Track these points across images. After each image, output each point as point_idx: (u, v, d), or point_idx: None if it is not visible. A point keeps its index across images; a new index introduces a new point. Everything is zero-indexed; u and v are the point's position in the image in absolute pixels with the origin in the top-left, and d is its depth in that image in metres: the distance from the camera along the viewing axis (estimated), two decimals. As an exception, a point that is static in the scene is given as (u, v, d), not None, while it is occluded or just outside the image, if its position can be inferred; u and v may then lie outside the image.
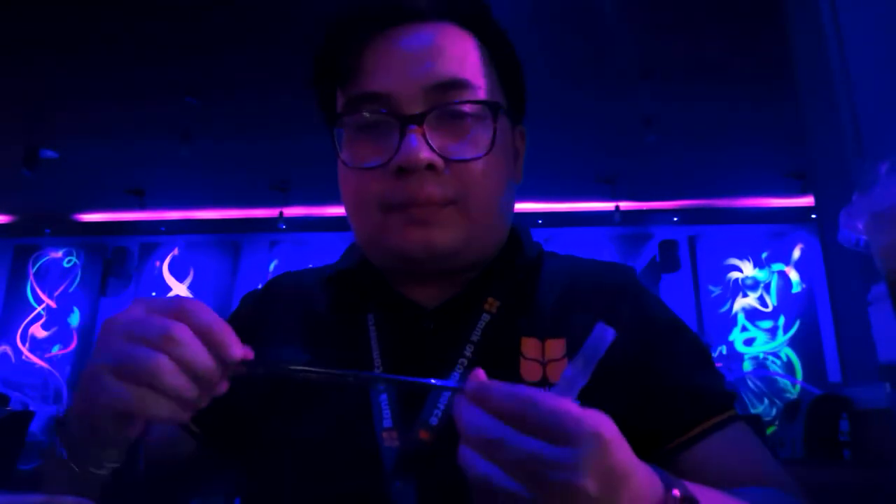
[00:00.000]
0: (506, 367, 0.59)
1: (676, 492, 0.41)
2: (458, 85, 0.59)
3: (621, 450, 0.37)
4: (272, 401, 0.60)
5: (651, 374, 0.61)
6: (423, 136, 0.57)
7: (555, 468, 0.35)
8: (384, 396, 0.57)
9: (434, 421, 0.56)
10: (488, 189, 0.59)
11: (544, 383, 0.59)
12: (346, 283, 0.67)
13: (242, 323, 0.64)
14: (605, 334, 0.41)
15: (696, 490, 0.44)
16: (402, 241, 0.59)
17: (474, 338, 0.60)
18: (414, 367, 0.58)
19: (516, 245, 0.67)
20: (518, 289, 0.65)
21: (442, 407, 0.56)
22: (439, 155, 0.57)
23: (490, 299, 0.63)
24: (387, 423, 0.56)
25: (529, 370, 0.59)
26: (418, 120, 0.57)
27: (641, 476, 0.39)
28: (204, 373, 0.42)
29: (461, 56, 0.60)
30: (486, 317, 0.62)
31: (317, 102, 0.67)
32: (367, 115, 0.59)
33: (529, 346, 0.60)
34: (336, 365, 0.50)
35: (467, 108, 0.59)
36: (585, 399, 0.47)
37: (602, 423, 0.37)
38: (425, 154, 0.56)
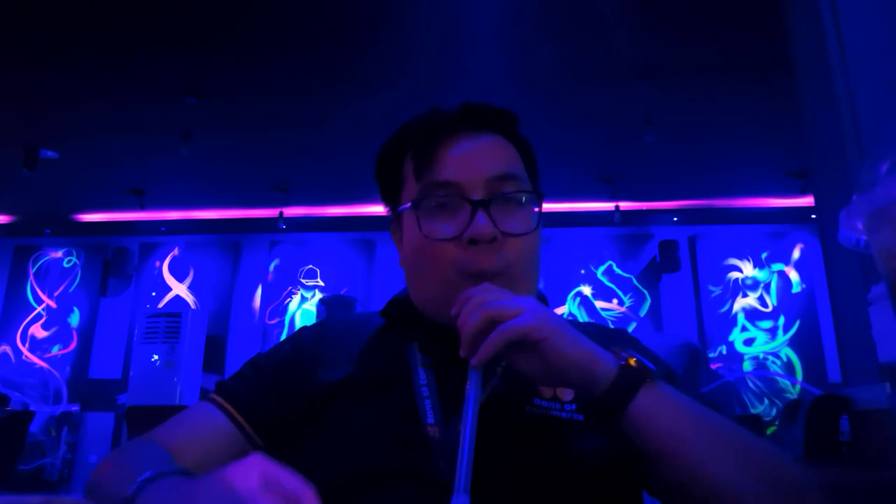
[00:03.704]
0: (526, 386, 0.75)
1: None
2: (510, 177, 0.78)
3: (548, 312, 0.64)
4: (330, 404, 0.75)
5: None
6: (489, 215, 0.74)
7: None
8: (428, 401, 0.73)
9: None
10: (529, 261, 0.78)
11: (555, 399, 0.74)
12: (396, 317, 0.85)
13: (306, 350, 0.82)
14: None
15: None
16: None
17: (503, 363, 0.76)
18: (451, 383, 0.72)
19: None
20: None
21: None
22: (499, 230, 0.74)
23: None
24: (430, 420, 0.71)
25: (544, 389, 0.76)
26: (486, 204, 0.75)
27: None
28: None
29: (508, 157, 0.80)
30: None
31: (381, 194, 0.88)
32: (443, 196, 0.76)
33: None
34: (387, 380, 0.74)
35: (520, 195, 0.78)
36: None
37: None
38: (491, 229, 0.73)
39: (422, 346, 0.79)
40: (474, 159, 0.77)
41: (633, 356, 0.64)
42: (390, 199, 0.86)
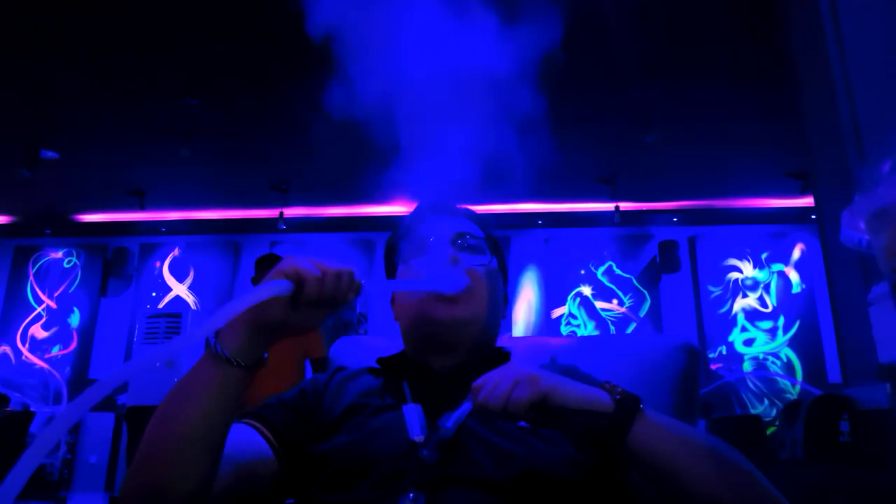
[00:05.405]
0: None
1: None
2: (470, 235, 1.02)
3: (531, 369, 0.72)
4: (335, 423, 0.89)
5: None
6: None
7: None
8: (414, 418, 0.86)
9: (447, 435, 0.84)
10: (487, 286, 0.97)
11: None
12: (390, 363, 1.00)
13: (320, 386, 0.98)
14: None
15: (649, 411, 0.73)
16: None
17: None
18: (433, 408, 0.86)
19: (491, 343, 1.03)
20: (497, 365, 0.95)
21: (449, 425, 0.83)
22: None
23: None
24: (414, 433, 0.83)
25: None
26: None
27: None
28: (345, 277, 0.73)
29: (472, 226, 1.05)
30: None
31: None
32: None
33: None
34: (384, 407, 0.89)
35: (477, 242, 1.00)
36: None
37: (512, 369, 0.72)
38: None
39: (410, 383, 0.93)
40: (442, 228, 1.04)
41: (617, 387, 0.73)
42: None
